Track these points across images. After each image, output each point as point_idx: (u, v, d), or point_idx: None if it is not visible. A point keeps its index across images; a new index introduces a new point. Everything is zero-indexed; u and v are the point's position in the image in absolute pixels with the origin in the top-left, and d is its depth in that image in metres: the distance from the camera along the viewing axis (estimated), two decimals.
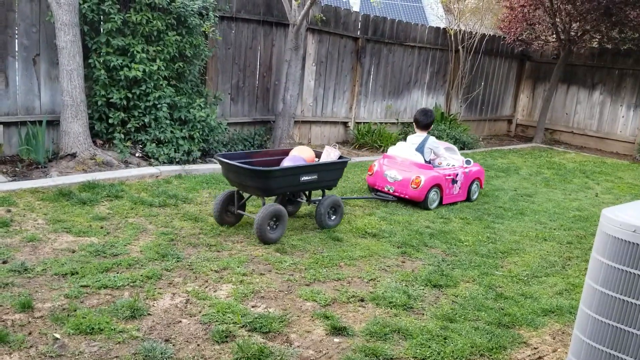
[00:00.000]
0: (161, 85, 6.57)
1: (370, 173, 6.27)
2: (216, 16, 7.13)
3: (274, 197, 5.14)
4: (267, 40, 8.38)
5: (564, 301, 3.71)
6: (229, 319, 3.08)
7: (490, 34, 12.06)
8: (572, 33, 11.71)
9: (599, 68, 12.75)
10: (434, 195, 5.96)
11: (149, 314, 3.10)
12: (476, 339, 3.08)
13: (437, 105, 11.65)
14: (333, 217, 4.96)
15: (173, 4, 6.44)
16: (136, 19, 6.25)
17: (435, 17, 20.88)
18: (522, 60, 13.71)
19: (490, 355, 2.95)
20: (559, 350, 3.09)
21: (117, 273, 3.58)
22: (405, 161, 6.11)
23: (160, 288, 3.44)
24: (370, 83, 10.26)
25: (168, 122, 6.62)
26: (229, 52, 7.91)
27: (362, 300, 3.51)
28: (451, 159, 6.44)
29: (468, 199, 6.39)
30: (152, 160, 6.55)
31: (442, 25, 12.44)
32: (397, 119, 10.89)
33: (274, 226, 4.45)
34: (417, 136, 6.36)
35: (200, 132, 6.86)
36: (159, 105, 6.53)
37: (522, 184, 7.73)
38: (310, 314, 3.25)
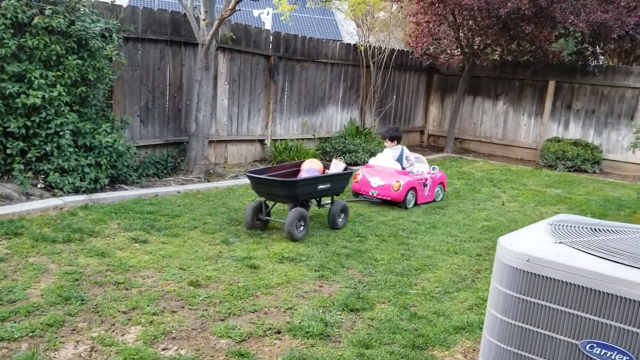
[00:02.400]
0: (63, 111, 6.23)
1: (355, 180, 7.35)
2: (120, 38, 6.88)
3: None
4: (176, 61, 8.18)
5: (474, 317, 3.83)
6: None
7: (399, 49, 12.44)
8: (475, 47, 12.31)
9: (501, 79, 13.48)
10: (410, 197, 7.11)
11: None
12: None
13: (351, 119, 11.85)
14: (342, 217, 5.90)
15: (72, 27, 6.14)
16: (32, 43, 5.91)
17: (348, 31, 21.35)
18: (430, 73, 14.26)
19: None
20: None
21: (15, 322, 3.31)
22: (386, 169, 7.26)
23: (62, 336, 3.22)
24: (285, 100, 10.27)
25: (72, 149, 6.28)
26: (136, 73, 7.65)
27: (278, 332, 3.45)
28: (420, 167, 7.66)
29: (434, 200, 7.61)
30: (56, 190, 6.19)
31: (354, 40, 12.71)
32: (314, 135, 10.97)
33: (301, 227, 5.34)
34: (394, 149, 7.51)
35: (108, 158, 6.57)
36: (61, 133, 6.19)
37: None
38: (224, 353, 3.15)
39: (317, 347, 3.27)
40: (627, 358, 1.92)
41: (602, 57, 15.04)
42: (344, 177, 5.96)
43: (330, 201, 5.96)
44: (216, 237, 5.27)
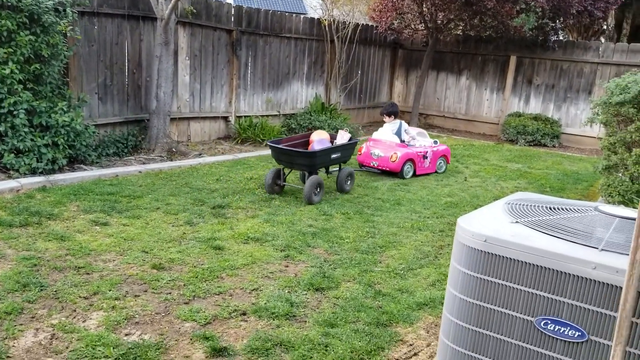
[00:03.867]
0: (16, 89, 6.01)
1: (360, 153, 7.96)
2: (75, 12, 6.63)
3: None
4: (135, 36, 7.95)
5: (436, 292, 3.91)
6: (99, 353, 2.89)
7: (363, 24, 12.36)
8: (438, 22, 12.32)
9: (464, 54, 13.57)
10: (408, 168, 7.67)
11: (8, 357, 2.83)
12: (356, 342, 3.15)
13: (317, 95, 11.79)
14: (348, 183, 6.60)
15: (24, 1, 5.88)
16: None
17: (312, 4, 21.11)
18: (394, 49, 14.24)
19: (370, 359, 3.03)
20: (432, 344, 3.25)
21: None
22: (386, 142, 7.82)
23: (21, 324, 3.15)
24: (249, 76, 10.14)
25: (27, 129, 6.08)
26: (92, 49, 7.41)
27: (244, 314, 3.46)
28: (422, 140, 8.18)
29: (436, 171, 8.12)
30: (12, 172, 5.99)
31: (318, 14, 12.56)
32: (279, 111, 10.88)
33: (317, 192, 6.05)
34: (392, 123, 8.12)
35: (65, 138, 6.38)
36: (15, 112, 5.97)
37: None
38: (189, 336, 3.14)
39: (283, 328, 3.30)
40: (579, 333, 1.99)
41: (562, 32, 15.29)
42: (351, 147, 6.66)
43: (337, 168, 6.68)
44: (179, 218, 5.21)
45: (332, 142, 6.74)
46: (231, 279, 3.98)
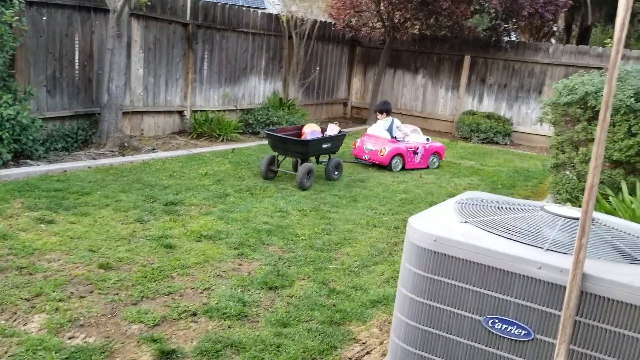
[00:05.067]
0: None
1: (354, 147, 8.56)
2: (22, 2, 6.35)
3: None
4: (86, 27, 7.69)
5: (390, 289, 3.93)
6: (40, 358, 2.77)
7: (321, 20, 12.33)
8: (395, 20, 12.42)
9: (421, 53, 13.72)
10: (396, 162, 8.18)
11: None
12: (308, 342, 3.13)
13: (275, 91, 11.71)
14: (336, 173, 7.17)
15: None
16: None
17: (272, 0, 20.95)
18: (352, 46, 14.28)
19: (322, 358, 3.02)
20: (385, 342, 3.26)
21: None
22: (377, 138, 8.36)
23: None
24: (205, 70, 9.97)
25: None
26: (41, 40, 7.12)
27: (194, 314, 3.39)
28: (416, 137, 8.65)
29: (428, 167, 8.58)
30: None
31: (277, 10, 12.47)
32: (236, 106, 10.75)
33: (308, 178, 6.57)
34: (384, 120, 8.63)
35: (10, 132, 6.13)
36: None
37: (356, 168, 8.09)
38: (136, 339, 3.05)
39: (234, 329, 3.24)
40: (525, 332, 2.01)
41: (515, 33, 15.66)
42: (340, 138, 7.22)
43: (327, 159, 7.22)
44: (130, 215, 5.07)
45: (323, 134, 7.26)
46: (182, 278, 3.89)
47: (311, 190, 6.51)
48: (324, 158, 7.40)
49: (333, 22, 12.64)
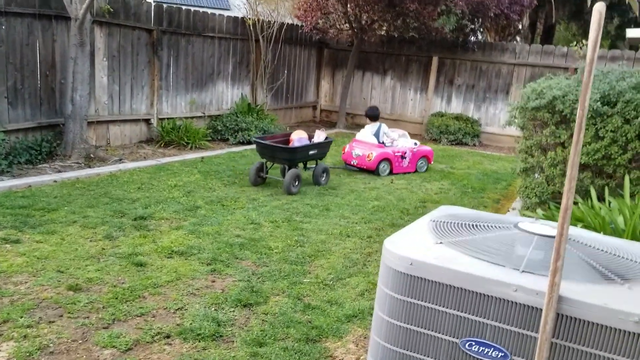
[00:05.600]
0: None
1: (343, 152, 8.73)
2: None
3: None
4: (47, 36, 7.49)
5: (365, 302, 3.92)
6: None
7: (288, 23, 12.28)
8: (363, 22, 12.47)
9: (389, 55, 13.81)
10: (384, 167, 8.35)
11: None
12: None
13: (242, 96, 11.62)
14: (324, 178, 7.38)
15: None
16: None
17: (235, 3, 20.80)
18: (320, 48, 14.28)
19: None
20: (362, 358, 3.25)
21: None
22: (365, 143, 8.54)
23: None
24: (171, 76, 9.82)
25: None
26: (1, 50, 6.90)
27: (168, 336, 3.31)
28: (404, 142, 8.81)
29: (416, 170, 8.75)
30: None
31: (243, 13, 12.36)
32: (204, 112, 10.62)
33: (296, 184, 6.76)
34: (372, 125, 8.81)
35: None
36: None
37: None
38: None
39: (209, 350, 3.18)
40: (502, 354, 2.02)
41: (481, 33, 15.86)
42: (327, 145, 7.44)
43: (314, 165, 7.41)
44: (98, 232, 4.95)
45: (310, 140, 7.47)
46: (154, 298, 3.81)
47: (283, 200, 6.47)
48: (311, 164, 7.56)
49: (300, 24, 12.61)
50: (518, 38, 20.80)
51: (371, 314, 3.75)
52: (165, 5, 9.45)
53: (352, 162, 8.50)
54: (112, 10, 8.19)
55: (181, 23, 9.76)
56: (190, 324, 3.46)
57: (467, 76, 13.08)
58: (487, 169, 9.36)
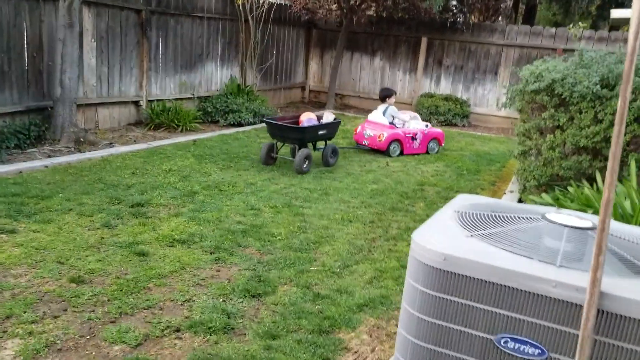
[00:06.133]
0: None
1: (355, 132, 8.85)
2: None
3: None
4: (34, 17, 7.23)
5: (374, 291, 3.88)
6: None
7: (277, 3, 12.05)
8: (352, 2, 12.28)
9: (378, 35, 13.66)
10: (394, 147, 8.44)
11: None
12: (301, 355, 3.04)
13: (232, 77, 11.42)
14: (332, 159, 7.49)
15: None
16: None
17: None
18: (309, 28, 14.07)
19: None
20: (377, 349, 3.21)
21: None
22: (377, 124, 8.63)
23: None
24: (160, 57, 9.60)
25: None
26: None
27: (177, 330, 3.24)
28: (415, 124, 8.84)
29: (427, 152, 8.82)
30: None
31: None
32: (193, 94, 10.43)
33: (306, 163, 6.96)
34: (382, 106, 8.98)
35: None
36: None
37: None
38: None
39: (222, 344, 3.12)
40: (539, 351, 1.99)
41: (463, 13, 15.72)
42: (335, 125, 7.56)
43: (323, 145, 7.51)
44: (95, 220, 4.82)
45: (319, 121, 7.56)
46: (159, 289, 3.73)
47: (281, 184, 6.38)
48: (320, 145, 7.63)
49: (289, 4, 12.38)
50: (500, 19, 20.75)
51: (382, 303, 3.72)
52: None
53: (363, 142, 8.61)
54: None
55: (170, 3, 9.51)
56: (200, 316, 3.39)
57: (455, 57, 13.01)
58: (479, 150, 9.36)
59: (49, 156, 6.72)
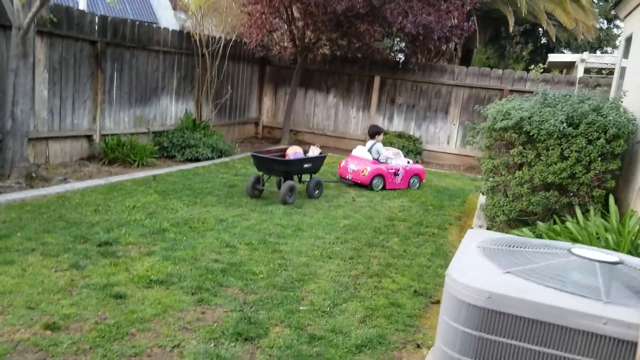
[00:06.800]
0: None
1: (339, 166, 9.09)
2: None
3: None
4: None
5: (369, 330, 3.77)
6: None
7: (233, 39, 12.03)
8: (307, 40, 12.43)
9: (332, 73, 13.84)
10: (377, 182, 8.67)
11: None
12: None
13: (187, 111, 11.21)
14: (317, 191, 7.69)
15: None
16: None
17: (165, 11, 20.19)
18: (263, 65, 14.11)
19: None
20: None
21: None
22: (360, 159, 8.90)
23: None
24: (115, 90, 9.30)
25: None
26: None
27: None
28: (397, 160, 9.10)
29: (409, 187, 9.07)
30: None
31: (177, 26, 11.98)
32: (148, 128, 10.12)
33: (291, 194, 7.10)
34: (370, 142, 9.18)
35: None
36: None
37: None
38: None
39: None
40: None
41: (406, 54, 16.27)
42: (320, 159, 7.77)
43: (309, 179, 7.72)
44: (62, 260, 4.49)
45: (305, 155, 7.81)
46: (144, 334, 3.47)
47: (252, 221, 6.21)
48: (306, 178, 7.91)
49: (244, 41, 12.38)
50: (442, 60, 21.61)
51: (380, 343, 3.61)
52: (110, 17, 8.94)
53: (347, 177, 8.83)
54: (55, 19, 7.63)
55: (126, 35, 9.28)
56: None
57: (408, 96, 13.34)
58: (438, 186, 9.52)
59: (0, 192, 6.27)
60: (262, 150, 7.67)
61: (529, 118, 5.76)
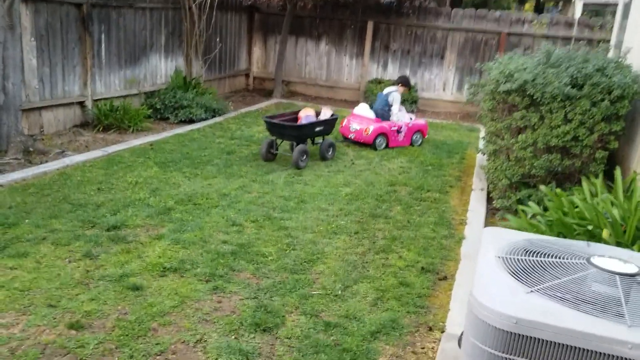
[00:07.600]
0: None
1: (342, 125, 8.94)
2: None
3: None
4: None
5: (382, 314, 3.88)
6: None
7: None
8: None
9: (322, 19, 13.47)
10: (380, 141, 8.64)
11: None
12: None
13: (177, 68, 10.97)
14: (330, 152, 7.84)
15: None
16: None
17: None
18: (251, 13, 13.69)
19: None
20: None
21: None
22: (363, 117, 8.83)
23: None
24: (104, 53, 9.05)
25: None
26: None
27: None
28: (401, 116, 8.94)
29: (412, 144, 9.02)
30: None
31: None
32: (139, 90, 9.93)
33: (303, 159, 7.27)
34: (390, 88, 9.07)
35: None
36: None
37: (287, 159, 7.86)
38: None
39: None
40: None
41: None
42: (332, 122, 7.83)
43: (321, 140, 7.85)
44: (74, 249, 4.52)
45: (317, 117, 7.82)
46: (166, 329, 3.56)
47: (254, 193, 6.22)
48: (318, 140, 7.99)
49: None
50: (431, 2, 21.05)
51: (393, 328, 3.73)
52: None
53: (349, 136, 8.76)
54: None
55: None
56: (217, 359, 3.27)
57: (402, 41, 13.09)
58: (436, 140, 9.53)
59: (0, 172, 6.22)
60: (274, 115, 7.71)
61: (533, 81, 5.71)
